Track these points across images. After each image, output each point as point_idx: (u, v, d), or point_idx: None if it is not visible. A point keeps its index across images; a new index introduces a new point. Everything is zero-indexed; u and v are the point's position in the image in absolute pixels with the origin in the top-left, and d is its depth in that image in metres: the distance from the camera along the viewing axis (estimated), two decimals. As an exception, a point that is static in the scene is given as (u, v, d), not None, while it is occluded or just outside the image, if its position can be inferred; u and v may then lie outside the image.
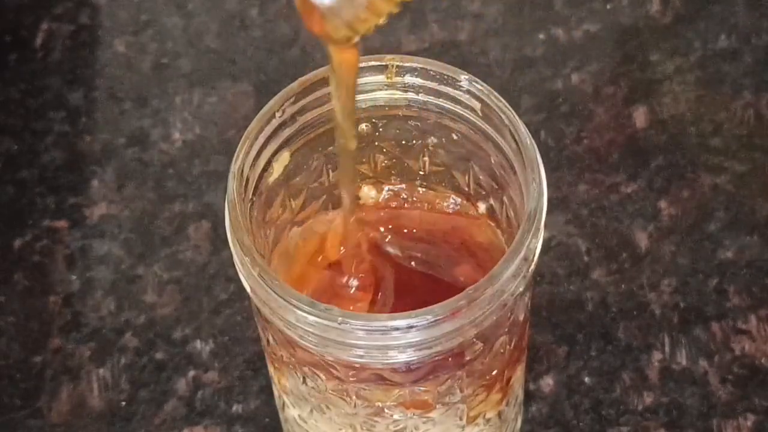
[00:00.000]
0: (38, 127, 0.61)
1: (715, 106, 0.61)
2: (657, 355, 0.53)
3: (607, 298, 0.55)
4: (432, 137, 0.44)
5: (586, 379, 0.53)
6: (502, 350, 0.41)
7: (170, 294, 0.56)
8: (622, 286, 0.55)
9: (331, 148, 0.44)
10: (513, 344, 0.42)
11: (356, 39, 0.37)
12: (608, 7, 0.64)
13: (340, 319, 0.36)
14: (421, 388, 0.40)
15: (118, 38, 0.64)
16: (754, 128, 0.60)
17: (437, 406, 0.41)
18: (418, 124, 0.43)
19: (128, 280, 0.56)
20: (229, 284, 0.56)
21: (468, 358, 0.40)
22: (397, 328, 0.37)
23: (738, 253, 0.56)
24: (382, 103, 0.43)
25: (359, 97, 0.42)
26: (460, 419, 0.43)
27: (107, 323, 0.55)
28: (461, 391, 0.41)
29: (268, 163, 0.42)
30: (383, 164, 0.45)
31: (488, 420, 0.44)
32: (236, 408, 0.53)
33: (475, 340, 0.39)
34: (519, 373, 0.45)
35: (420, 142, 0.44)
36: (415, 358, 0.38)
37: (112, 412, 0.53)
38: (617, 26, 0.64)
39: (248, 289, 0.39)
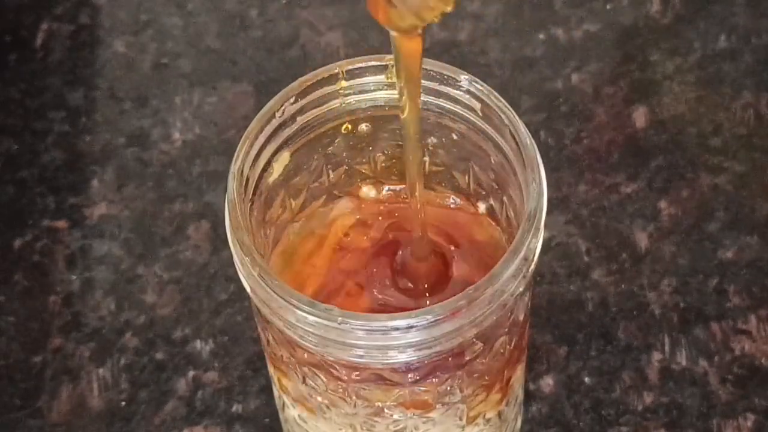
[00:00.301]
0: (38, 127, 0.61)
1: (715, 106, 0.61)
2: (657, 355, 0.53)
3: (607, 298, 0.55)
4: (432, 137, 0.44)
5: (586, 379, 0.53)
6: (502, 350, 0.41)
7: (170, 294, 0.56)
8: (622, 286, 0.55)
9: (330, 148, 0.44)
10: (513, 344, 0.42)
11: (422, 27, 0.37)
12: (608, 7, 0.64)
13: (340, 319, 0.36)
14: (421, 388, 0.40)
15: (118, 38, 0.65)
16: (754, 128, 0.60)
17: (437, 406, 0.41)
18: None
19: (128, 280, 0.56)
20: (229, 284, 0.56)
21: (468, 358, 0.40)
22: (397, 328, 0.37)
23: (738, 253, 0.56)
24: (382, 103, 0.43)
25: (359, 97, 0.42)
26: (460, 419, 0.43)
27: (107, 323, 0.55)
28: (461, 391, 0.41)
29: (268, 163, 0.42)
30: (383, 164, 0.45)
31: (488, 420, 0.44)
32: (236, 408, 0.53)
33: (475, 340, 0.39)
34: (519, 373, 0.45)
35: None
36: (415, 358, 0.38)
37: (112, 412, 0.53)
38: (617, 26, 0.64)
39: (248, 289, 0.39)
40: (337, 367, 0.40)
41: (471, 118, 0.42)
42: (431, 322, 0.37)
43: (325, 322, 0.37)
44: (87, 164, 0.60)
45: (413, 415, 0.42)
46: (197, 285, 0.56)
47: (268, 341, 0.42)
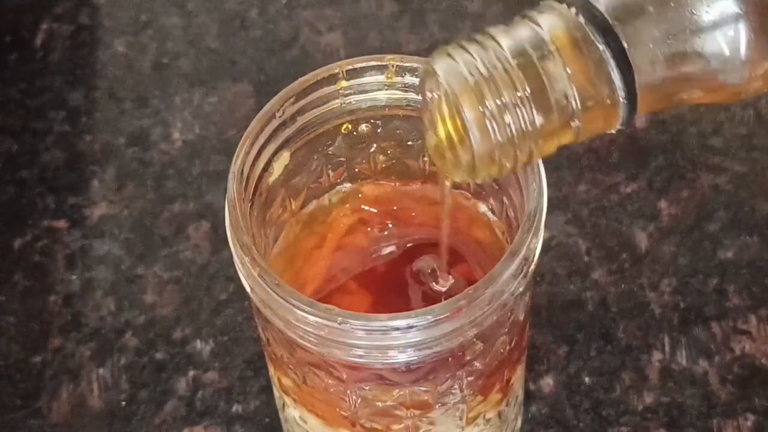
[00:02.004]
0: (38, 127, 0.61)
1: (715, 106, 0.61)
2: (657, 355, 0.53)
3: (607, 298, 0.55)
4: None
5: (586, 379, 0.53)
6: (502, 350, 0.41)
7: (170, 294, 0.56)
8: (622, 286, 0.55)
9: (330, 148, 0.44)
10: (513, 344, 0.42)
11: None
12: (608, 7, 0.64)
13: (340, 319, 0.36)
14: (421, 388, 0.40)
15: (118, 38, 0.65)
16: (754, 128, 0.60)
17: (437, 406, 0.41)
18: (418, 124, 0.43)
19: (128, 280, 0.56)
20: (229, 284, 0.56)
21: (468, 358, 0.40)
22: (397, 328, 0.37)
23: (738, 253, 0.56)
24: (382, 103, 0.43)
25: (359, 97, 0.42)
26: (460, 419, 0.43)
27: (107, 323, 0.55)
28: (461, 391, 0.41)
29: (268, 163, 0.42)
30: (383, 164, 0.45)
31: (488, 420, 0.44)
32: (236, 408, 0.53)
33: (475, 340, 0.39)
34: (519, 373, 0.45)
35: (420, 142, 0.44)
36: (415, 358, 0.38)
37: (112, 412, 0.53)
38: (617, 26, 0.64)
39: (248, 289, 0.39)
40: (337, 367, 0.40)
41: None
42: (431, 322, 0.37)
43: (325, 322, 0.37)
44: (87, 164, 0.60)
45: (413, 415, 0.42)
46: (197, 285, 0.56)
47: (268, 341, 0.42)
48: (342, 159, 0.45)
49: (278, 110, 0.41)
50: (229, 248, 0.39)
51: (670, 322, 0.54)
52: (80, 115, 0.62)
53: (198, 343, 0.54)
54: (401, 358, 0.38)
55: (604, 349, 0.54)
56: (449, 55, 0.34)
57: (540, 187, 0.39)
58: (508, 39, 0.34)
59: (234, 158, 0.40)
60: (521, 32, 0.34)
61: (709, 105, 0.36)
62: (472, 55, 0.34)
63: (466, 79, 0.34)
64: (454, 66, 0.34)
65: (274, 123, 0.41)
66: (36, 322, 0.55)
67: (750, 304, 0.54)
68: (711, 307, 0.55)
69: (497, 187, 0.43)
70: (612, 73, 0.34)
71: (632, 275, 0.55)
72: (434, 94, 0.36)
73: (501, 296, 0.37)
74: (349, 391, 0.41)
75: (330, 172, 0.45)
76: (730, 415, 0.52)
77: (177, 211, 0.58)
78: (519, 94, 0.33)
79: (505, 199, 0.43)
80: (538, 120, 0.34)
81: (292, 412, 0.45)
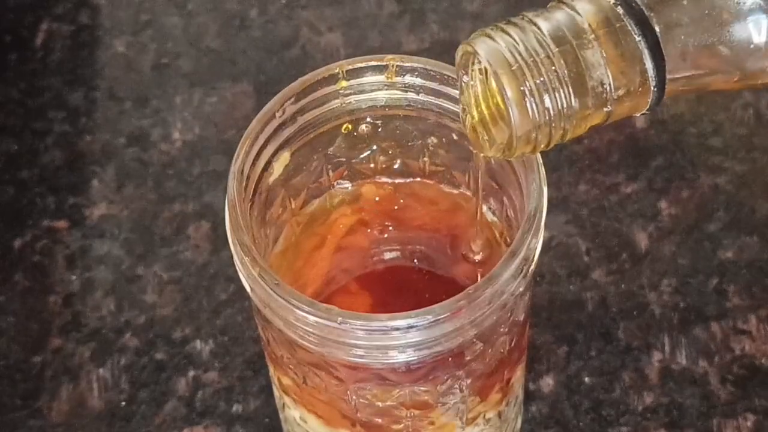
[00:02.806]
0: (38, 127, 0.61)
1: (715, 106, 0.61)
2: (657, 355, 0.53)
3: (607, 298, 0.55)
4: (432, 137, 0.44)
5: (586, 379, 0.53)
6: (502, 350, 0.41)
7: (170, 294, 0.56)
8: (622, 286, 0.55)
9: (330, 148, 0.44)
10: (513, 344, 0.42)
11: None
12: (608, 7, 0.64)
13: (340, 319, 0.36)
14: (422, 389, 0.40)
15: (118, 38, 0.65)
16: (754, 128, 0.60)
17: (437, 407, 0.41)
18: (418, 124, 0.43)
19: (128, 280, 0.56)
20: (229, 284, 0.56)
21: (468, 358, 0.40)
22: (397, 328, 0.37)
23: (738, 253, 0.56)
24: (382, 103, 0.43)
25: (359, 97, 0.42)
26: (460, 419, 0.43)
27: (107, 323, 0.55)
28: (461, 391, 0.41)
29: (269, 163, 0.42)
30: (383, 164, 0.45)
31: (488, 420, 0.44)
32: (236, 408, 0.53)
33: (475, 340, 0.39)
34: (519, 373, 0.45)
35: (420, 142, 0.44)
36: (415, 358, 0.38)
37: (112, 412, 0.53)
38: (617, 26, 0.64)
39: (248, 289, 0.39)
40: (338, 367, 0.40)
41: None
42: (431, 322, 0.37)
43: (325, 322, 0.37)
44: (87, 164, 0.60)
45: (413, 415, 0.42)
46: (197, 285, 0.56)
47: (268, 341, 0.42)
48: (342, 159, 0.45)
49: (278, 110, 0.41)
50: (229, 248, 0.39)
51: (670, 322, 0.54)
52: (80, 115, 0.62)
53: (198, 343, 0.54)
54: (401, 358, 0.38)
55: (604, 349, 0.54)
56: (489, 36, 0.35)
57: (540, 187, 0.39)
58: (547, 24, 0.35)
59: (234, 158, 0.40)
60: (560, 18, 0.35)
61: (732, 91, 0.37)
62: (512, 38, 0.35)
63: (507, 59, 0.34)
64: (495, 47, 0.35)
65: (275, 123, 0.41)
66: (36, 322, 0.55)
67: (750, 304, 0.54)
68: (711, 307, 0.55)
69: (497, 187, 0.43)
70: (646, 63, 0.35)
71: (632, 275, 0.55)
72: (472, 73, 0.36)
73: (501, 296, 0.38)
74: (349, 391, 0.41)
75: (330, 172, 0.45)
76: (730, 415, 0.52)
77: (177, 211, 0.58)
78: (559, 77, 0.34)
79: (505, 200, 0.43)
80: (575, 104, 0.35)
81: (292, 413, 0.45)
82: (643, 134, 0.60)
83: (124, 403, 0.53)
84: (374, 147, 0.45)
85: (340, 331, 0.37)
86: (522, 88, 0.34)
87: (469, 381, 0.41)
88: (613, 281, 0.55)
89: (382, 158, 0.45)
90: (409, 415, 0.42)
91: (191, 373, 0.54)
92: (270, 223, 0.43)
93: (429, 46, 0.63)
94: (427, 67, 0.41)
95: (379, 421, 0.42)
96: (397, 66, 0.42)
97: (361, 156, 0.45)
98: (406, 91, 0.42)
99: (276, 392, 0.47)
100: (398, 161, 0.45)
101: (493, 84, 0.35)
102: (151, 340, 0.54)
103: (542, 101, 0.34)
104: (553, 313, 0.54)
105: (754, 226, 0.57)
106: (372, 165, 0.45)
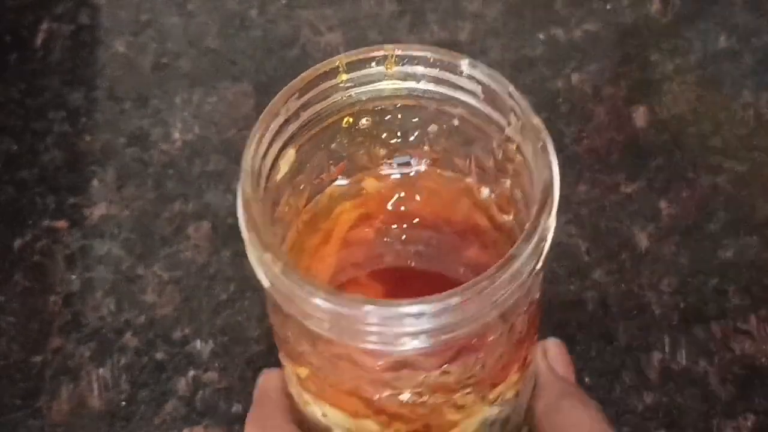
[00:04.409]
0: (38, 127, 0.61)
1: (715, 106, 0.61)
2: (657, 355, 0.53)
3: (607, 298, 0.55)
4: (433, 125, 0.44)
5: (586, 379, 0.53)
6: (521, 330, 0.41)
7: (170, 294, 0.56)
8: (622, 286, 0.55)
9: (333, 142, 0.44)
10: (530, 323, 0.42)
11: None
12: (608, 7, 0.64)
13: (365, 307, 0.36)
14: (445, 372, 0.40)
15: (118, 38, 0.65)
16: (754, 128, 0.60)
17: (460, 389, 0.42)
18: (419, 112, 0.43)
19: (128, 280, 0.56)
20: (229, 284, 0.56)
21: (491, 338, 0.40)
22: (422, 313, 0.37)
23: (738, 253, 0.56)
24: (383, 94, 0.43)
25: (359, 89, 0.42)
26: (482, 400, 0.43)
27: (107, 323, 0.55)
28: (484, 371, 0.41)
29: (275, 160, 0.42)
30: (385, 156, 0.45)
31: (507, 400, 0.45)
32: (236, 408, 0.53)
33: (496, 320, 0.39)
34: (534, 353, 0.46)
35: (421, 130, 0.44)
36: (440, 342, 0.38)
37: (112, 412, 0.53)
38: (617, 26, 0.64)
39: (267, 286, 0.39)
40: (362, 355, 0.39)
41: (473, 102, 0.42)
42: (456, 305, 0.37)
43: (350, 310, 0.37)
44: (87, 164, 0.60)
45: (437, 399, 0.42)
46: (197, 285, 0.56)
47: (286, 338, 0.42)
48: (344, 153, 0.45)
49: (283, 106, 0.41)
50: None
51: (670, 322, 0.54)
52: (80, 115, 0.62)
53: (198, 343, 0.54)
54: (426, 343, 0.38)
55: (604, 349, 0.54)
56: None
57: (550, 162, 0.39)
58: None
59: (244, 157, 0.40)
60: None
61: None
62: None
63: None
64: None
65: (279, 119, 0.41)
66: (36, 322, 0.55)
67: (750, 304, 0.54)
68: (711, 307, 0.55)
69: (499, 171, 0.43)
70: None
71: (632, 275, 0.55)
72: None
73: (520, 276, 0.38)
74: (373, 379, 0.41)
75: (332, 166, 0.45)
76: (730, 415, 0.52)
77: (177, 211, 0.58)
78: None
79: (507, 183, 0.43)
80: None
81: (312, 409, 0.45)
82: (643, 134, 0.60)
83: (124, 403, 0.53)
84: (376, 139, 0.45)
85: (368, 320, 0.37)
86: None
87: (491, 362, 0.41)
88: (613, 281, 0.55)
89: (383, 150, 0.45)
90: (432, 399, 0.42)
91: (191, 373, 0.54)
92: (277, 219, 0.43)
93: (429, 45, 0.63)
94: (426, 54, 0.41)
95: (403, 407, 0.42)
96: (396, 56, 0.42)
97: (363, 149, 0.45)
98: (406, 80, 0.42)
99: (294, 390, 0.47)
100: (400, 152, 0.45)
101: None
102: (151, 340, 0.55)
103: None
104: (553, 313, 0.54)
105: (754, 226, 0.57)
106: (374, 157, 0.45)
